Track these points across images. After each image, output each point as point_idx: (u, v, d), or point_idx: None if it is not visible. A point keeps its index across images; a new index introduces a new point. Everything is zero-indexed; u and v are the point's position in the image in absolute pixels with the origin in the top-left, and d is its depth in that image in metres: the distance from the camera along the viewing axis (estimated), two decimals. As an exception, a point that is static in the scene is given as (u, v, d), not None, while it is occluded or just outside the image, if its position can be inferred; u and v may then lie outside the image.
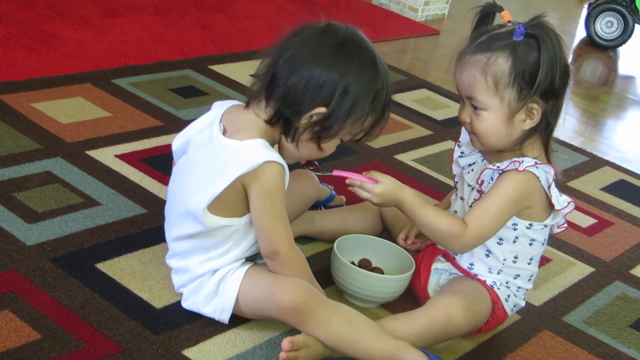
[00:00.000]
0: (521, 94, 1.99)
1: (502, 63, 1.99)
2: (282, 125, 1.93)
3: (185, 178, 2.00)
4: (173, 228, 2.03)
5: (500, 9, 2.08)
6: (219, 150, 1.93)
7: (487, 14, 2.09)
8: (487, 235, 2.08)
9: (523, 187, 2.04)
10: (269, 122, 1.93)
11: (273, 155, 1.89)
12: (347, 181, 2.07)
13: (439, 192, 2.88)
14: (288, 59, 1.90)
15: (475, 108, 2.05)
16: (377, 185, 2.04)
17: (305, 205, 2.37)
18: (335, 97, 1.88)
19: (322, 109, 1.89)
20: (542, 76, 1.96)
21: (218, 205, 1.92)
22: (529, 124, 2.03)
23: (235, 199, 1.92)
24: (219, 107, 2.03)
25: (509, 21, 2.06)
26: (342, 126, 1.92)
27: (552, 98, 2.02)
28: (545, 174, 2.05)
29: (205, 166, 1.95)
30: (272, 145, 1.96)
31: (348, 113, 1.91)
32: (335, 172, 2.08)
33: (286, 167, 1.92)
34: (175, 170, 2.07)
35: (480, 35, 2.05)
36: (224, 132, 1.96)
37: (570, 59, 5.38)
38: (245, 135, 1.92)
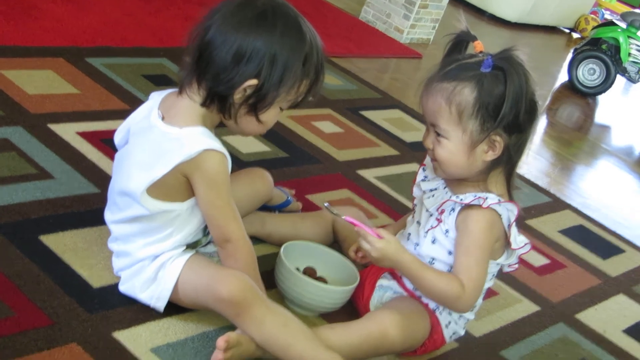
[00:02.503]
0: (484, 125, 1.99)
1: (467, 93, 1.99)
2: (217, 104, 1.92)
3: (125, 162, 1.98)
4: (114, 212, 2.01)
5: (474, 38, 2.08)
6: (159, 136, 1.91)
7: (460, 42, 2.09)
8: (481, 286, 2.07)
9: (490, 228, 2.04)
10: (204, 104, 1.92)
11: (213, 143, 1.88)
12: (355, 229, 2.06)
13: (396, 212, 2.88)
14: (212, 37, 1.88)
15: (438, 135, 2.05)
16: (379, 240, 2.02)
17: (258, 202, 2.37)
18: (264, 66, 1.87)
19: (253, 81, 1.87)
20: (506, 110, 1.96)
21: (159, 190, 1.91)
22: (491, 155, 2.03)
23: (176, 185, 1.91)
24: (157, 96, 2.02)
25: (480, 51, 2.06)
26: (277, 94, 1.91)
27: (515, 132, 2.02)
28: (508, 212, 2.05)
29: (145, 151, 1.93)
30: (213, 128, 1.95)
31: (280, 81, 1.89)
32: (347, 219, 2.08)
33: (227, 155, 1.91)
34: (117, 156, 2.04)
35: (450, 63, 2.05)
36: (163, 119, 1.94)
37: (548, 101, 5.40)
38: (184, 121, 1.91)
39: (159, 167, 1.89)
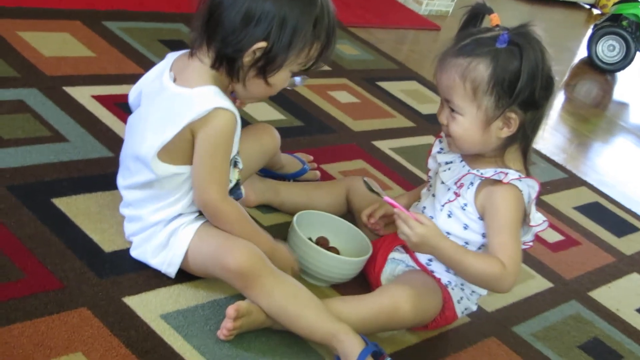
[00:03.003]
0: (499, 102, 1.96)
1: (482, 69, 1.96)
2: (226, 67, 1.90)
3: (137, 126, 1.97)
4: (126, 177, 2.00)
5: (490, 11, 2.04)
6: (171, 98, 1.90)
7: (476, 15, 2.06)
8: (519, 262, 2.03)
9: (519, 203, 2.01)
10: (213, 66, 1.90)
11: (224, 102, 1.86)
12: (395, 210, 2.00)
13: (410, 184, 2.86)
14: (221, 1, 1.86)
15: (453, 111, 2.02)
16: (420, 226, 1.97)
17: (265, 157, 2.35)
18: (273, 29, 1.85)
19: (262, 44, 1.86)
20: (521, 86, 1.93)
21: (168, 153, 1.90)
22: (506, 132, 2.00)
23: (185, 147, 1.89)
24: (170, 57, 2.01)
25: (497, 25, 2.02)
26: (286, 57, 1.89)
27: (531, 109, 1.99)
28: (529, 188, 2.02)
29: (157, 113, 1.92)
30: (225, 90, 1.93)
31: (289, 43, 1.87)
32: (386, 198, 2.03)
33: (238, 116, 1.89)
34: (130, 120, 2.03)
35: (465, 38, 2.01)
36: (174, 80, 1.93)
37: (566, 76, 5.36)
38: (195, 82, 1.89)
39: (170, 128, 1.87)
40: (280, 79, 1.94)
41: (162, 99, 1.92)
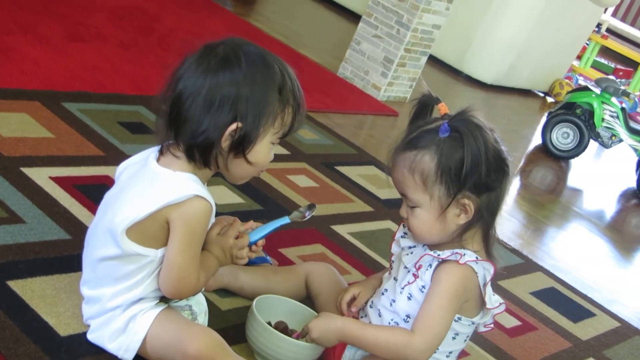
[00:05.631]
0: (450, 190, 1.97)
1: (427, 161, 1.97)
2: (200, 157, 1.89)
3: (114, 199, 1.95)
4: (92, 249, 1.97)
5: (437, 101, 2.06)
6: (152, 176, 1.89)
7: (424, 107, 2.08)
8: (438, 335, 2.02)
9: (462, 281, 2.01)
10: (188, 160, 1.90)
11: (203, 192, 1.86)
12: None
13: (368, 268, 2.86)
14: (180, 93, 1.86)
15: (410, 204, 2.04)
16: (309, 325, 2.08)
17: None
18: (239, 107, 1.85)
19: (233, 126, 1.85)
20: (466, 172, 1.94)
21: (138, 232, 1.88)
22: (464, 218, 2.01)
23: (155, 231, 1.88)
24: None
25: (445, 114, 2.04)
26: (258, 132, 1.88)
27: (484, 192, 2.00)
28: (484, 270, 2.03)
29: (136, 189, 1.91)
30: (204, 179, 1.93)
31: (259, 116, 1.87)
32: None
33: (213, 207, 1.89)
34: (107, 194, 2.01)
35: (413, 131, 2.04)
36: (158, 160, 1.92)
37: (522, 163, 5.42)
38: (177, 166, 1.89)
39: (145, 206, 1.86)
40: (261, 155, 1.93)
41: (143, 175, 1.91)
